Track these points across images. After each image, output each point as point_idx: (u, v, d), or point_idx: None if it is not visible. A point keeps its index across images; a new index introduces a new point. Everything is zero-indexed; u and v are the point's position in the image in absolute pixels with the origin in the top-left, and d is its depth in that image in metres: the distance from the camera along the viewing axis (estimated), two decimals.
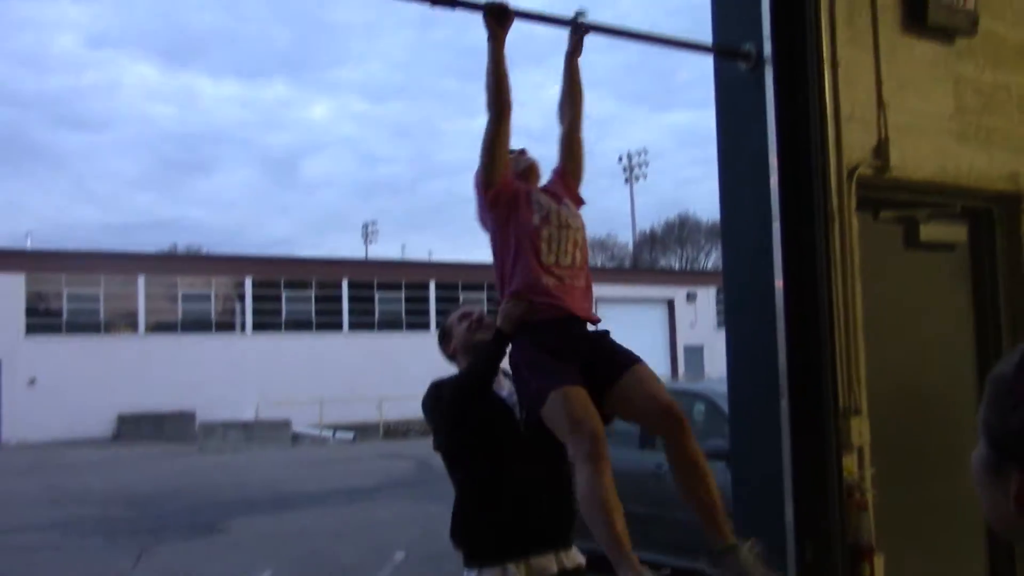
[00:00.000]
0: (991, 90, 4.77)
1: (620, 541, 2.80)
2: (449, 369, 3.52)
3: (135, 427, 30.19)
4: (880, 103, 4.28)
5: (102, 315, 32.79)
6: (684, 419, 3.03)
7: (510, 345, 3.19)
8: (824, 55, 4.02)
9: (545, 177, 3.52)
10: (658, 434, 2.98)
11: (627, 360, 3.13)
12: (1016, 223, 4.83)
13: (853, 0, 4.27)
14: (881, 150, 4.25)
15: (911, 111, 4.41)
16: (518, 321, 3.17)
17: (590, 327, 3.30)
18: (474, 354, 3.34)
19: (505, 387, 3.37)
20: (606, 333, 3.28)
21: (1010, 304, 4.83)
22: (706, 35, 4.23)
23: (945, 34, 4.57)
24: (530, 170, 3.46)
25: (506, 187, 3.26)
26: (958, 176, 4.56)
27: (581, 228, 3.32)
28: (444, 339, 3.54)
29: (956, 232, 4.79)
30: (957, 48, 4.64)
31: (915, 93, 4.45)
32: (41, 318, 31.68)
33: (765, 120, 3.95)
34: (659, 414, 3.01)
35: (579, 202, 3.47)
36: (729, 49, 4.07)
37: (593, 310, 3.31)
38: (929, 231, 4.61)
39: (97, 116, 79.93)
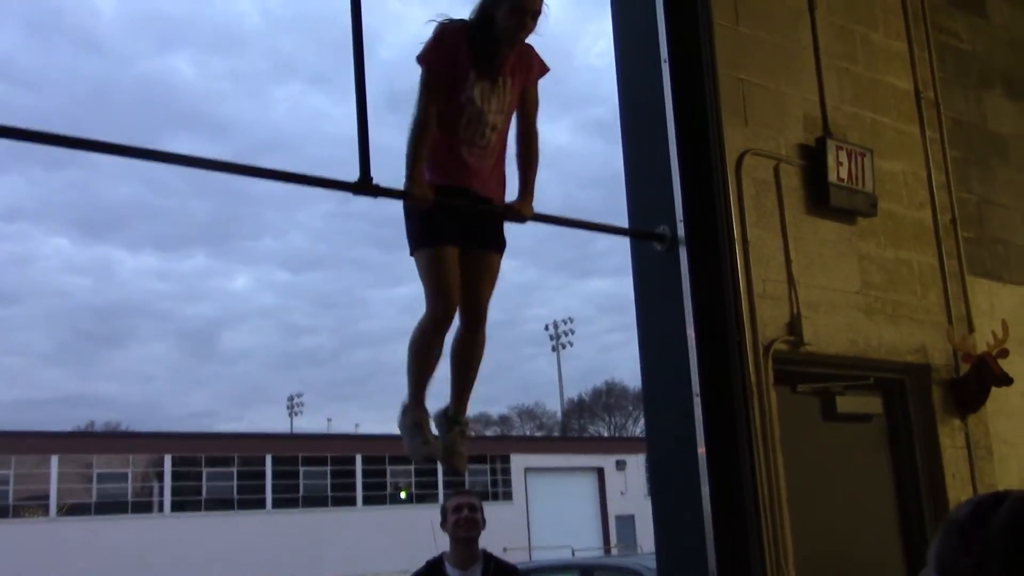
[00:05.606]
0: (893, 266, 5.02)
1: (417, 384, 3.39)
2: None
3: None
4: (790, 280, 4.49)
5: (11, 499, 31.34)
6: (483, 321, 3.47)
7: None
8: (735, 236, 4.23)
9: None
10: (460, 317, 3.39)
11: (495, 242, 3.52)
12: (927, 393, 5.00)
13: (759, 184, 4.53)
14: (794, 326, 4.42)
15: (820, 288, 4.62)
16: None
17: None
18: None
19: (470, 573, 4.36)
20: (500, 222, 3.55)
21: (927, 471, 4.94)
22: (619, 202, 4.45)
23: (847, 215, 4.84)
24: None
25: (445, 65, 3.36)
26: (868, 349, 4.74)
27: (503, 112, 3.47)
28: (443, 515, 4.46)
29: (871, 403, 4.93)
30: (859, 227, 4.91)
31: (823, 271, 4.67)
32: None
33: (682, 297, 4.10)
34: (469, 305, 3.42)
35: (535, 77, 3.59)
36: (644, 232, 4.26)
37: (503, 191, 3.58)
38: (845, 403, 4.75)
39: (8, 290, 78.30)
